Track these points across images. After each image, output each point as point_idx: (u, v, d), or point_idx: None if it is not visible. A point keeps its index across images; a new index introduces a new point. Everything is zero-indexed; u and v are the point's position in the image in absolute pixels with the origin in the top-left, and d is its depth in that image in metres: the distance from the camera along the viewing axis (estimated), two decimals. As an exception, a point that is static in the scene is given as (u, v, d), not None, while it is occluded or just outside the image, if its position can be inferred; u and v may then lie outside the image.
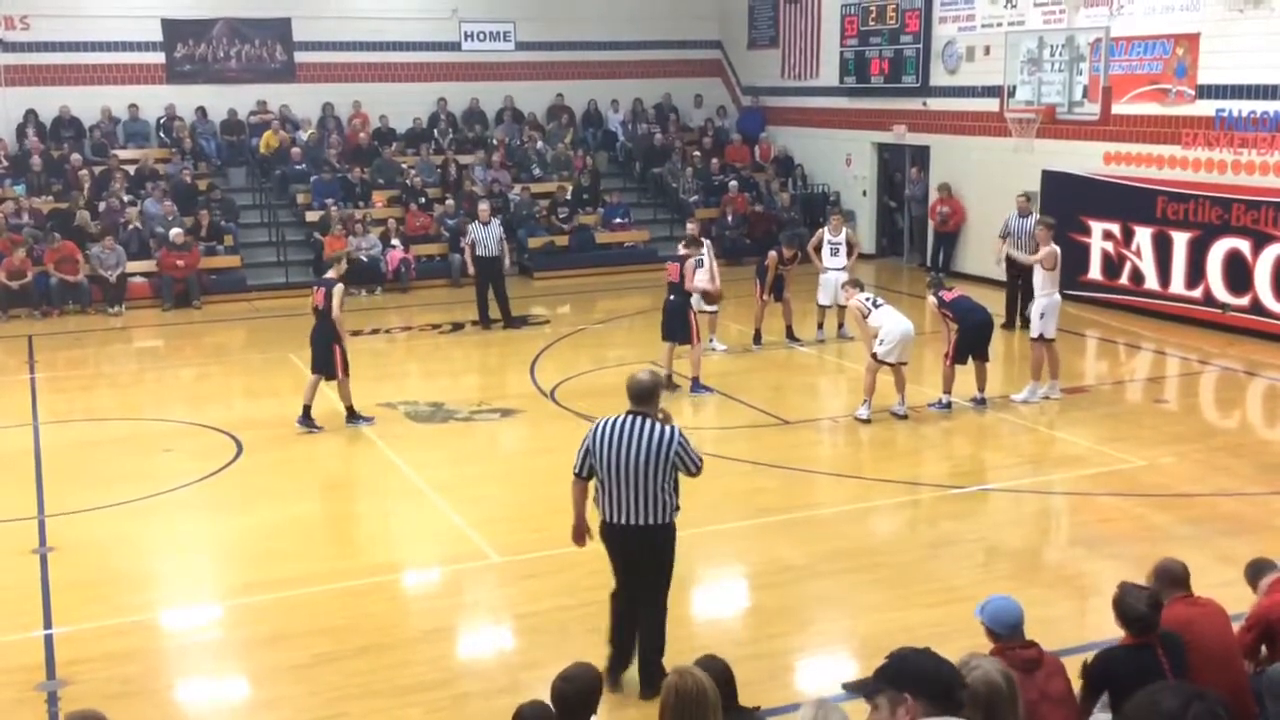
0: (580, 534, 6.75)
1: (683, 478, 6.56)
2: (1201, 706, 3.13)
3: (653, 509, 6.42)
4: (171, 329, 18.15)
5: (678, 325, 13.17)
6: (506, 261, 17.49)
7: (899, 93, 21.31)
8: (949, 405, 12.35)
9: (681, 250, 13.69)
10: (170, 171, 21.51)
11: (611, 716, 6.31)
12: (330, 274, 12.46)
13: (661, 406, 6.65)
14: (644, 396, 6.52)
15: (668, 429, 6.46)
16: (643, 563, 6.61)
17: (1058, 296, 12.65)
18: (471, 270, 17.14)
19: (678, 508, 6.52)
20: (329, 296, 12.02)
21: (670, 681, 4.25)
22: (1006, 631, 5.02)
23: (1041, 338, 12.61)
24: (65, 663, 7.34)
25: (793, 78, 24.46)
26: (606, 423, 6.49)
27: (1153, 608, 5.16)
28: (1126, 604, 5.19)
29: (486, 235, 16.87)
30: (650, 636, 6.71)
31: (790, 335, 15.57)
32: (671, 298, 13.31)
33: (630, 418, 6.45)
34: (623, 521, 6.46)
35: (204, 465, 11.09)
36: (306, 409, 12.15)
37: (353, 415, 12.27)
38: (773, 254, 15.26)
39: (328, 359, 12.12)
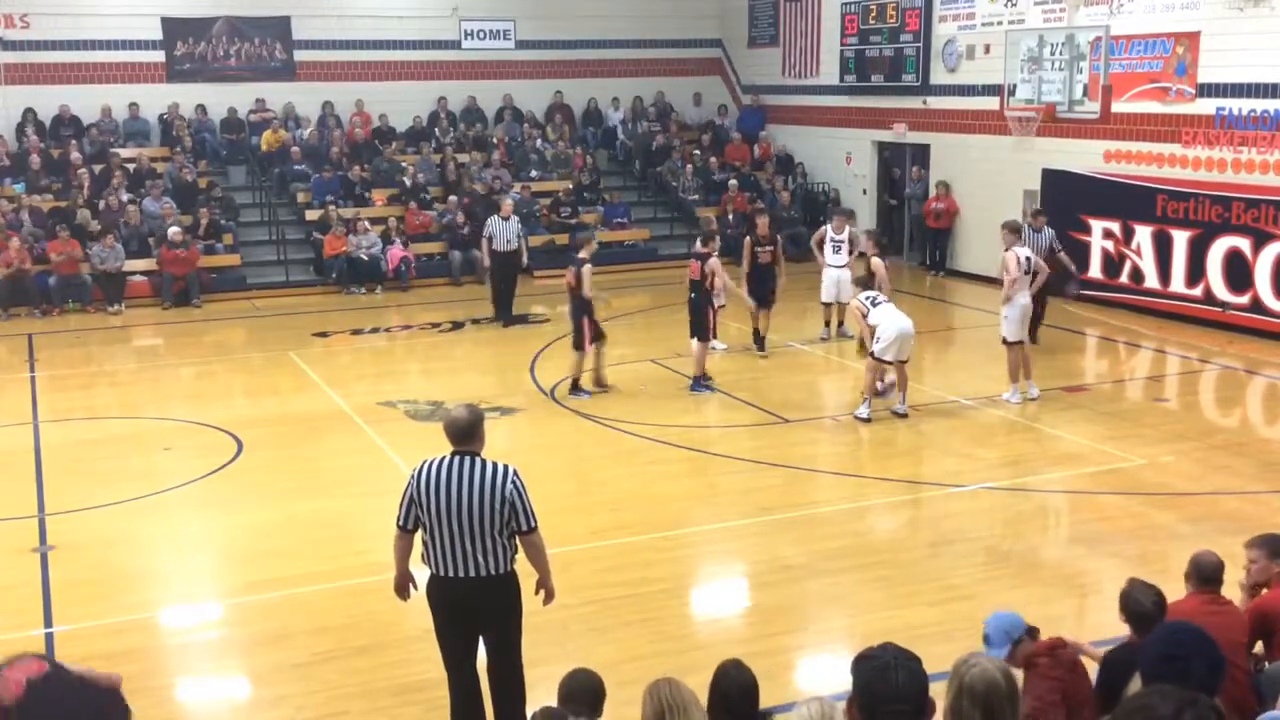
0: (404, 586, 6.10)
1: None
2: (1194, 713, 3.10)
3: (489, 558, 5.70)
4: (171, 327, 18.14)
5: (696, 321, 13.28)
6: (525, 258, 17.60)
7: (899, 91, 21.31)
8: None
9: (700, 247, 13.66)
10: (170, 170, 21.52)
11: (612, 715, 6.31)
12: (582, 254, 13.09)
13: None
14: (466, 434, 5.77)
15: (500, 466, 5.75)
16: (484, 621, 5.89)
17: (1020, 300, 12.47)
18: (487, 263, 17.36)
19: (516, 552, 5.84)
20: (579, 275, 12.78)
21: (648, 688, 4.40)
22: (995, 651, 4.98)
23: (1004, 341, 12.58)
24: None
25: (793, 76, 24.46)
26: (429, 466, 5.78)
27: (1157, 606, 5.16)
28: (1132, 599, 5.22)
29: (505, 230, 16.97)
30: (509, 704, 5.99)
31: (756, 339, 14.91)
32: (692, 295, 13.35)
33: (456, 458, 5.74)
34: (456, 575, 5.73)
35: (204, 464, 11.09)
36: (574, 381, 13.12)
37: (576, 388, 13.02)
38: (748, 239, 14.83)
39: (578, 331, 12.95)
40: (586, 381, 13.19)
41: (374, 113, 23.65)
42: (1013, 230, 12.92)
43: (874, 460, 11.26)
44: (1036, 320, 14.76)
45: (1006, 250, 12.57)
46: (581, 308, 12.90)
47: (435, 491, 5.71)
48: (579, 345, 13.01)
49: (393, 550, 6.03)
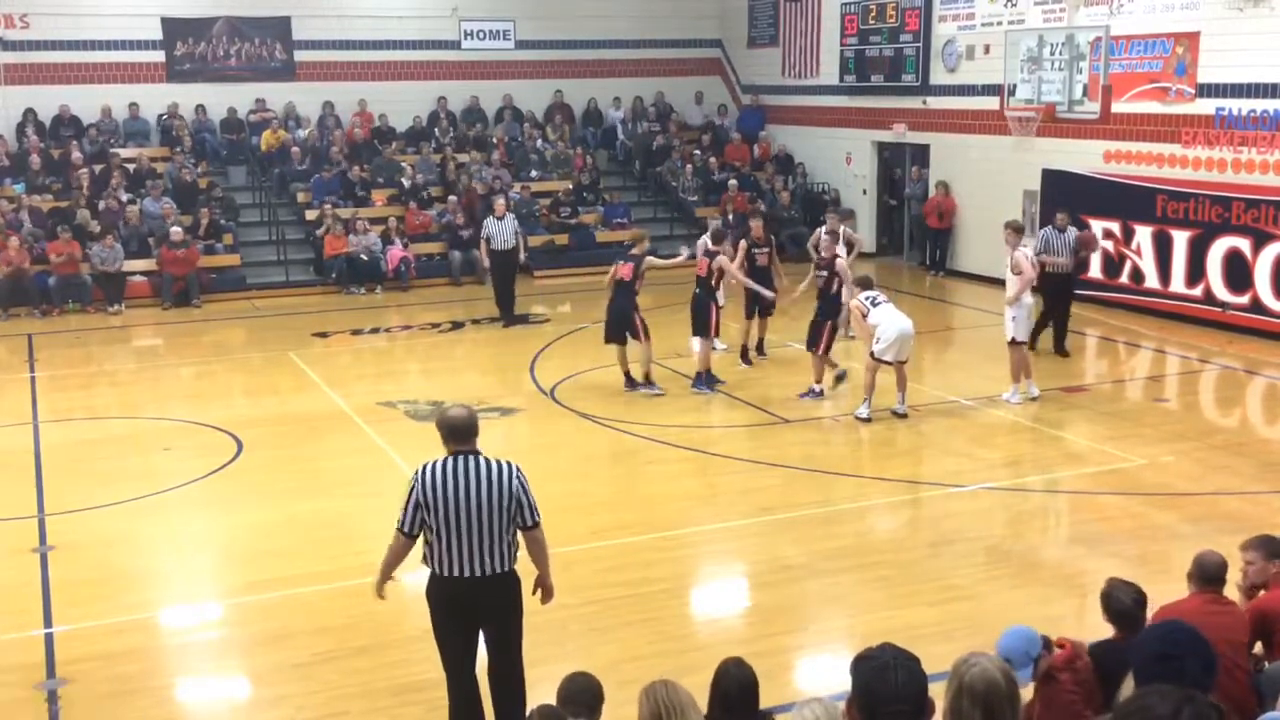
0: (382, 587, 6.09)
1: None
2: (1192, 710, 3.10)
3: (496, 555, 5.73)
4: (171, 327, 18.14)
5: (699, 318, 13.31)
6: (522, 255, 17.63)
7: (899, 91, 21.31)
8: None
9: (711, 245, 13.63)
10: (170, 170, 21.52)
11: (612, 716, 6.31)
12: (635, 250, 13.26)
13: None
14: (465, 433, 5.80)
15: (503, 463, 5.81)
16: (484, 618, 5.91)
17: (1027, 300, 12.46)
18: (487, 264, 17.46)
19: (518, 549, 5.89)
20: (636, 269, 12.96)
21: (644, 690, 4.40)
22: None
23: (1013, 341, 12.55)
24: (65, 661, 7.33)
25: (793, 76, 24.45)
26: (432, 467, 5.75)
27: (1138, 603, 5.22)
28: (1114, 598, 5.30)
29: (501, 230, 17.00)
30: (509, 703, 5.99)
31: (759, 349, 14.88)
32: (697, 292, 13.41)
33: (458, 458, 5.75)
34: (461, 574, 5.73)
35: (204, 464, 11.09)
36: (628, 376, 13.25)
37: (644, 380, 13.13)
38: (743, 242, 14.63)
39: (627, 326, 13.04)
40: (638, 374, 13.26)
41: (374, 113, 23.65)
42: (1016, 230, 12.84)
43: (874, 460, 11.26)
44: (1062, 328, 14.66)
45: (1014, 250, 12.47)
46: (630, 303, 12.98)
47: (444, 493, 5.69)
48: (634, 335, 13.04)
49: (388, 552, 5.98)
